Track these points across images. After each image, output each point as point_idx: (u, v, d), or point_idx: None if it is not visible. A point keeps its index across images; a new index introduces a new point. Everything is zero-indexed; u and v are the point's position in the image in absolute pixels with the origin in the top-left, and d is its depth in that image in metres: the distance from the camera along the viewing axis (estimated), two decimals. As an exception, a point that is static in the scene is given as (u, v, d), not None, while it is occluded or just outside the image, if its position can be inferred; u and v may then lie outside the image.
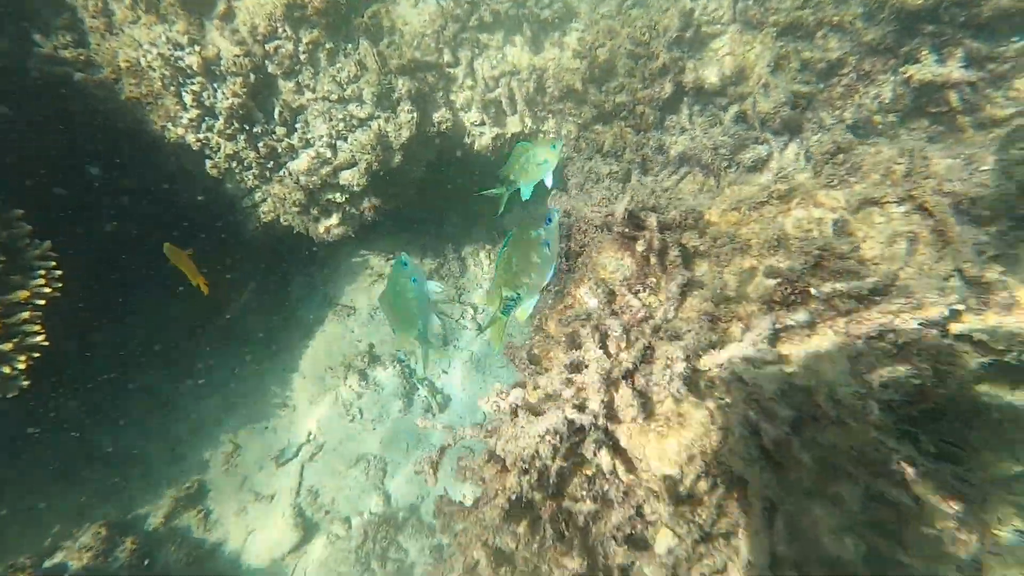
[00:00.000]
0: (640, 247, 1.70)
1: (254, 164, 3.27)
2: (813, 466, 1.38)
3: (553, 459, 1.46)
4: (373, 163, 3.46)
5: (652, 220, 1.68)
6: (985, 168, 1.68)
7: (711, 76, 3.34)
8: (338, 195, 3.65)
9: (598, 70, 3.45)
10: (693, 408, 1.53)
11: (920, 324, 1.46)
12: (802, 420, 1.44)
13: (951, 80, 2.75)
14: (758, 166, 3.05)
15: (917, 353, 1.46)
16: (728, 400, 1.47)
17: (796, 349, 1.53)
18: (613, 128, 3.56)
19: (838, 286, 1.49)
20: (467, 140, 4.15)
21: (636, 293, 1.76)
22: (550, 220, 1.78)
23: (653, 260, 1.70)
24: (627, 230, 1.71)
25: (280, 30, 2.98)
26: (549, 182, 2.15)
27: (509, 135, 4.09)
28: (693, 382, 1.54)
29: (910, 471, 1.31)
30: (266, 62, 3.07)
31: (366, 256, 5.13)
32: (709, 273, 1.78)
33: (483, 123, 4.00)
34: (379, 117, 3.42)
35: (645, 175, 3.41)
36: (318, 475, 3.89)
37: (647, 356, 1.58)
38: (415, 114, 3.62)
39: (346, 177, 3.48)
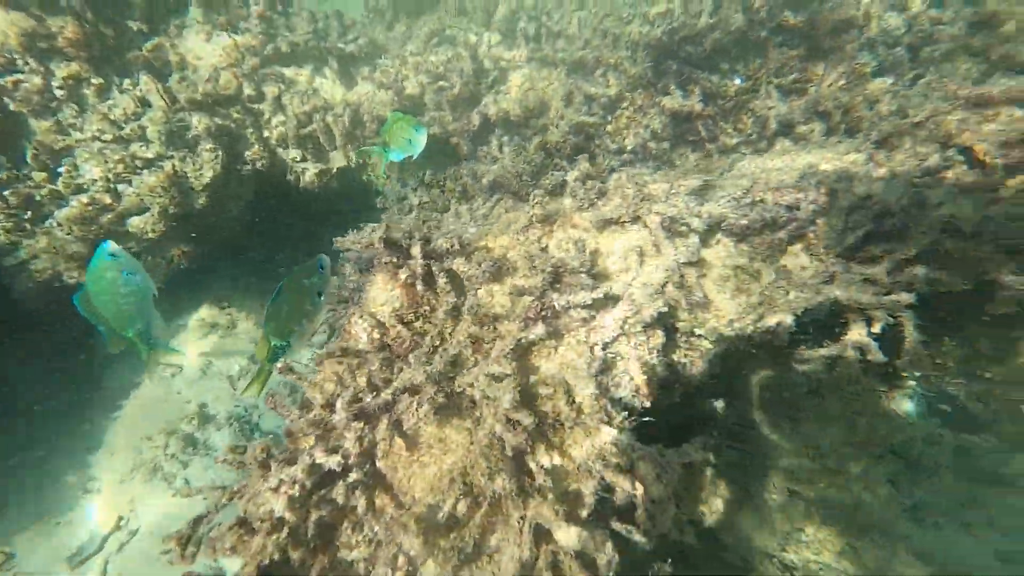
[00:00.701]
0: (404, 275, 1.73)
1: (1, 216, 2.80)
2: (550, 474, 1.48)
3: (299, 509, 1.39)
4: (169, 206, 3.16)
5: (416, 249, 1.72)
6: (682, 189, 1.99)
7: (515, 108, 3.60)
8: (132, 244, 3.27)
9: (409, 103, 3.54)
10: (454, 432, 1.57)
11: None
12: (546, 427, 1.55)
13: (695, 112, 3.26)
14: (557, 191, 3.33)
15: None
16: (481, 415, 1.53)
17: (546, 363, 1.65)
18: (428, 160, 3.67)
19: (572, 298, 1.64)
20: (291, 177, 4.00)
21: (408, 323, 1.78)
22: (322, 268, 1.77)
23: (420, 288, 1.74)
24: (394, 260, 1.74)
25: (20, 62, 2.63)
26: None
27: (335, 170, 4.02)
28: (455, 405, 1.59)
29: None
30: (4, 98, 2.67)
31: (191, 305, 4.64)
32: (483, 296, 1.87)
33: (304, 159, 3.89)
34: (172, 157, 3.15)
35: (465, 203, 3.54)
36: (130, 567, 3.33)
37: (410, 387, 1.59)
38: (220, 152, 3.39)
39: (136, 224, 3.13)
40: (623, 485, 1.43)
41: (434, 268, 1.70)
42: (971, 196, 1.78)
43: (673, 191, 1.97)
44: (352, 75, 3.62)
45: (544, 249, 1.96)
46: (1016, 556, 3.27)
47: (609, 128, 3.66)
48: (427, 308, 1.82)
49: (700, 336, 1.93)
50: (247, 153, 3.53)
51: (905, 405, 3.71)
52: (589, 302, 1.65)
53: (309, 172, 3.92)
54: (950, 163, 1.89)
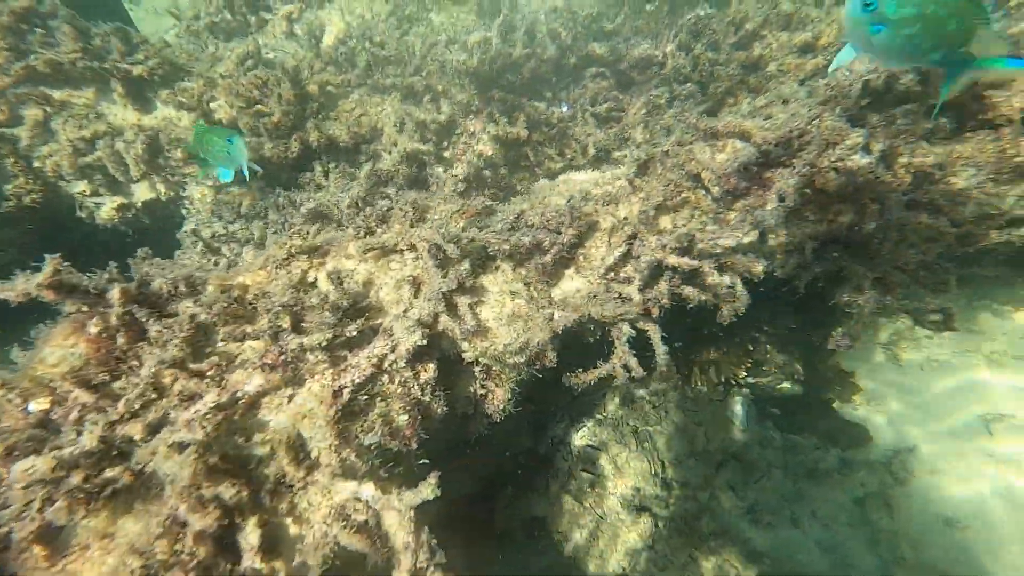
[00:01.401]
0: (95, 328, 1.43)
1: None
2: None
3: None
4: None
5: (116, 292, 1.43)
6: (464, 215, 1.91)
7: (342, 135, 3.41)
8: None
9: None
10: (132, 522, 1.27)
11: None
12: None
13: (521, 138, 3.31)
14: (385, 218, 3.17)
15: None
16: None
17: (277, 415, 1.42)
18: (252, 188, 3.35)
19: (307, 340, 1.45)
20: (82, 213, 3.44)
21: (94, 385, 1.44)
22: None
23: (122, 340, 1.44)
24: (81, 308, 1.43)
25: None
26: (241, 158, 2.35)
27: (140, 204, 3.52)
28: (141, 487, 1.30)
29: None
30: None
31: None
32: (223, 343, 1.61)
33: (98, 192, 3.37)
34: None
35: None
36: None
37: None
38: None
39: None
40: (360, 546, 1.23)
41: (141, 315, 1.42)
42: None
43: (460, 211, 1.89)
44: (149, 98, 3.22)
45: (313, 283, 1.76)
46: (834, 544, 3.53)
47: (447, 154, 3.61)
48: (128, 364, 1.50)
49: (487, 364, 1.83)
50: (7, 187, 2.96)
51: (737, 412, 3.95)
52: (328, 342, 1.47)
53: (105, 207, 3.40)
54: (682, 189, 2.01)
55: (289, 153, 3.19)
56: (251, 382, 1.32)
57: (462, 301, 1.70)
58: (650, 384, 4.05)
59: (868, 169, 1.91)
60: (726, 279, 1.77)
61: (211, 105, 3.13)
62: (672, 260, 1.70)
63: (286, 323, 1.41)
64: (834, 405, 4.19)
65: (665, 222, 2.08)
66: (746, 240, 1.97)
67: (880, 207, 1.89)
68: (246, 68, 3.30)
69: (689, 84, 3.34)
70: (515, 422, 3.22)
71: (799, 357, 4.18)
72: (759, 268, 1.76)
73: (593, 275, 1.87)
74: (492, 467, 3.41)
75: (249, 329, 1.52)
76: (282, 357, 1.42)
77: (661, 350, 1.80)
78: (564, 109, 3.38)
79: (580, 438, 3.69)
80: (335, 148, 3.41)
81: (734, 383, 3.92)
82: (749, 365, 3.92)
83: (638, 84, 3.51)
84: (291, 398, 1.41)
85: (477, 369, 1.84)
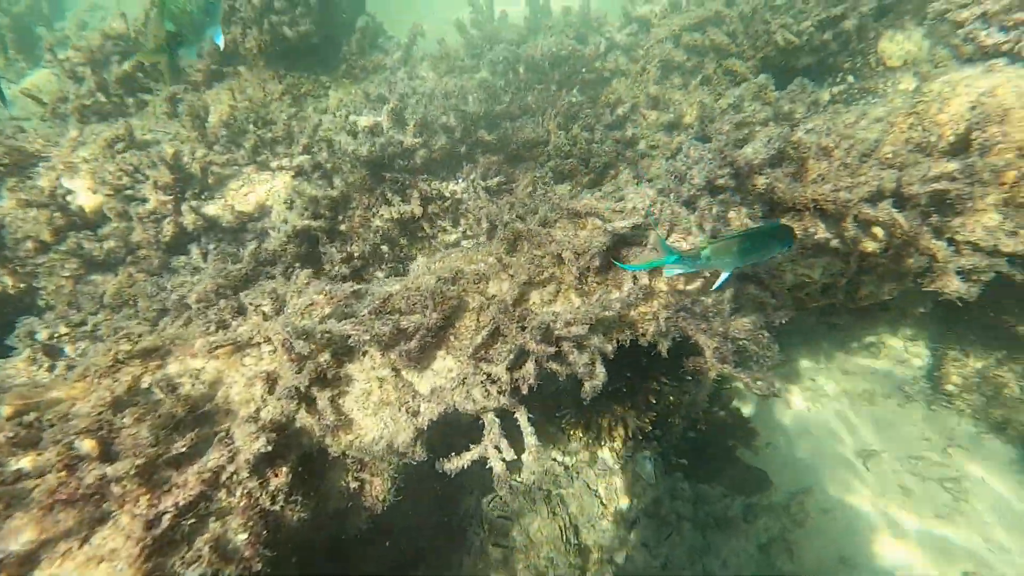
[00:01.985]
0: None
1: None
2: None
3: None
4: None
5: None
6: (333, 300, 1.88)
7: (227, 214, 3.31)
8: None
9: (80, 220, 3.02)
10: None
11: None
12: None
13: (416, 214, 3.38)
14: (242, 310, 3.06)
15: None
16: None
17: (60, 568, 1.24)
18: (119, 275, 3.12)
19: (111, 469, 1.30)
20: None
21: None
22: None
23: None
24: None
25: None
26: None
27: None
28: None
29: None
30: None
31: None
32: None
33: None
34: None
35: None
36: None
37: None
38: None
39: None
40: None
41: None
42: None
43: (311, 304, 1.85)
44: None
45: (147, 390, 1.62)
46: (746, 594, 3.59)
47: (343, 228, 3.59)
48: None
49: (356, 458, 1.74)
50: None
51: (646, 467, 4.02)
52: (145, 462, 1.34)
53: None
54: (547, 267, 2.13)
55: (161, 236, 3.03)
56: (21, 536, 1.14)
57: (322, 395, 1.63)
58: (567, 445, 4.05)
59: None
60: (584, 357, 1.84)
61: (67, 198, 2.93)
62: (531, 346, 1.75)
63: (89, 448, 1.26)
64: (737, 452, 4.38)
65: (534, 297, 2.16)
66: (608, 315, 2.07)
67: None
68: (115, 151, 3.16)
69: (571, 159, 3.60)
70: (414, 504, 3.06)
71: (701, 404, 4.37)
72: (609, 349, 1.86)
73: (463, 355, 1.88)
74: (399, 552, 3.19)
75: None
76: (79, 491, 1.26)
77: (528, 431, 1.81)
78: (458, 183, 3.51)
79: (492, 509, 3.57)
80: (217, 228, 3.29)
81: (642, 437, 4.00)
82: (654, 417, 4.03)
83: (526, 160, 3.74)
84: (84, 541, 1.23)
85: (349, 461, 1.75)
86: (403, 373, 1.81)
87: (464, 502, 3.54)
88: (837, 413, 4.42)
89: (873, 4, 4.14)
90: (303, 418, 1.61)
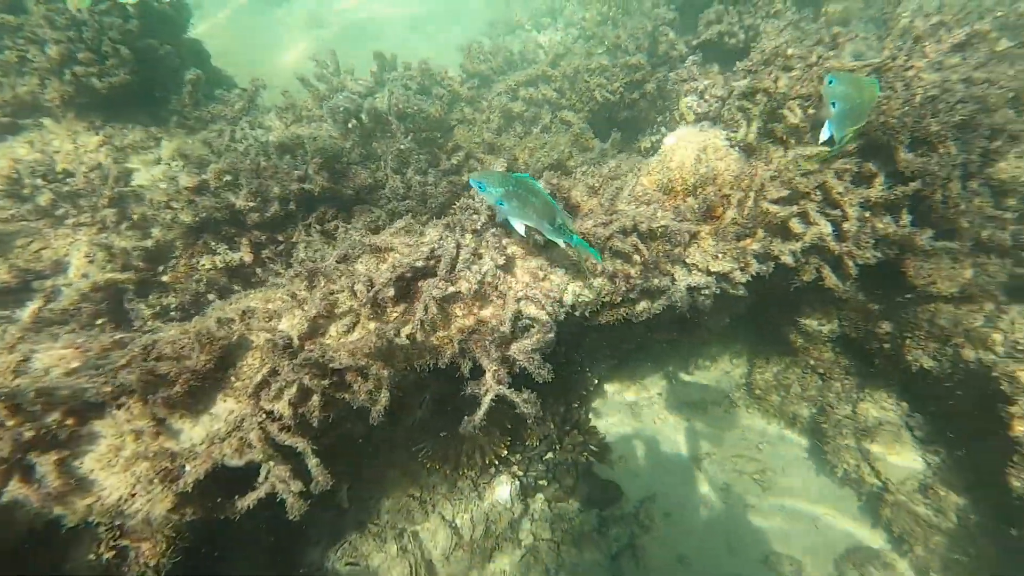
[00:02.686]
0: None
1: None
2: None
3: None
4: None
5: None
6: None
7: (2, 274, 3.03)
8: None
9: None
10: None
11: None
12: None
13: (247, 261, 3.35)
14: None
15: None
16: None
17: None
18: None
19: None
20: None
21: None
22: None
23: None
24: None
25: None
26: None
27: None
28: None
29: None
30: None
31: None
32: None
33: None
34: None
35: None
36: None
37: None
38: None
39: None
40: None
41: None
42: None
43: (61, 358, 1.77)
44: None
45: None
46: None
47: (166, 278, 3.42)
48: None
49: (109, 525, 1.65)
50: None
51: (502, 493, 4.12)
52: None
53: None
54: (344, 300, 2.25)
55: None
56: None
57: (45, 459, 1.53)
58: (425, 479, 4.03)
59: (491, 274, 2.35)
60: (368, 384, 1.94)
61: None
62: (307, 381, 1.82)
63: None
64: (593, 468, 4.65)
65: (332, 330, 2.24)
66: (403, 342, 2.19)
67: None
68: None
69: (408, 200, 3.80)
70: (246, 562, 2.87)
71: (556, 424, 4.61)
72: (386, 374, 1.98)
73: (243, 395, 1.89)
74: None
75: None
76: None
77: (313, 463, 1.84)
78: (295, 228, 3.54)
79: (340, 557, 3.45)
80: None
81: (498, 463, 4.12)
82: (509, 442, 4.17)
83: (367, 203, 3.88)
84: None
85: (102, 529, 1.65)
86: (170, 422, 1.76)
87: (308, 554, 3.39)
88: (677, 424, 4.88)
89: (663, 73, 4.94)
90: (14, 488, 1.50)
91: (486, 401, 2.18)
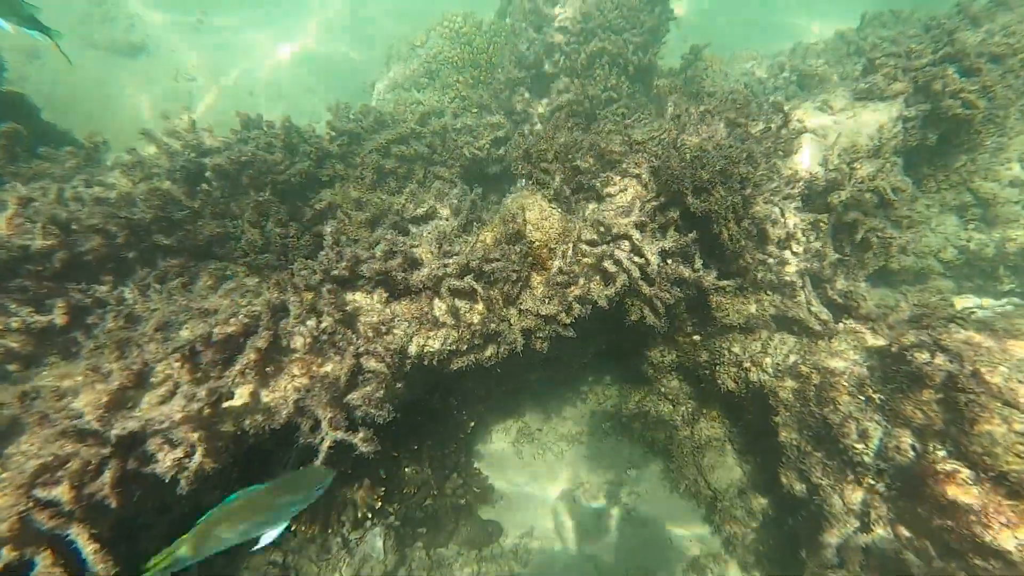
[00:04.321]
0: None
1: None
2: None
3: None
4: None
5: None
6: None
7: None
8: None
9: None
10: None
11: None
12: None
13: (60, 325, 3.13)
14: None
15: None
16: None
17: None
18: None
19: None
20: None
21: None
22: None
23: None
24: None
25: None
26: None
27: None
28: None
29: None
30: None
31: None
32: None
33: None
34: None
35: None
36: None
37: None
38: None
39: None
40: None
41: None
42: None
43: None
44: None
45: None
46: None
47: None
48: None
49: None
50: None
51: (376, 546, 4.06)
52: None
53: None
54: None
55: None
56: None
57: None
58: (289, 542, 3.85)
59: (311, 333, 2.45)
60: (177, 452, 1.93)
61: None
62: (86, 453, 1.78)
63: None
64: (476, 510, 4.72)
65: (147, 399, 2.19)
66: (235, 404, 2.19)
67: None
68: None
69: (267, 255, 3.80)
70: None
71: (434, 469, 4.66)
72: (195, 437, 2.00)
73: (21, 482, 1.79)
74: None
75: None
76: None
77: (89, 551, 1.76)
78: (126, 290, 3.38)
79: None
80: None
81: (372, 515, 4.05)
82: (383, 493, 4.13)
83: (219, 257, 3.82)
84: None
85: None
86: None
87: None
88: (555, 458, 5.14)
89: (528, 128, 5.49)
90: None
91: (324, 448, 2.24)
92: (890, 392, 2.53)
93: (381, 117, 5.47)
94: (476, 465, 5.13)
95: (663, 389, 4.86)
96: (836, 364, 2.87)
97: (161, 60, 7.38)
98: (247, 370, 2.22)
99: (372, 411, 2.40)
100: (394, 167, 5.28)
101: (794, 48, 5.33)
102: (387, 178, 5.30)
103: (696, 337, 4.09)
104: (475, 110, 5.87)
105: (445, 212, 4.68)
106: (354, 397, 2.42)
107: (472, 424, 5.04)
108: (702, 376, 4.20)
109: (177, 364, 2.10)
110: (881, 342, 2.84)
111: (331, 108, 5.27)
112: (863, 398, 2.63)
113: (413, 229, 4.38)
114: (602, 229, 3.16)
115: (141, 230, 3.35)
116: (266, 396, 2.37)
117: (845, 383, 2.74)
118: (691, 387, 4.65)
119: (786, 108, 3.84)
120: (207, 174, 3.87)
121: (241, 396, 2.25)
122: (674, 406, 4.82)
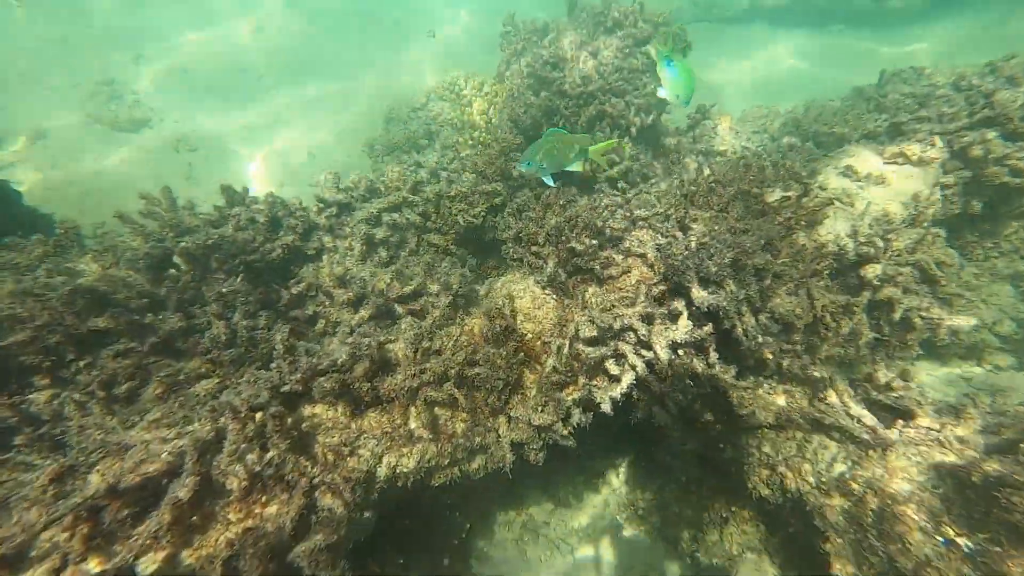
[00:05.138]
0: None
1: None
2: None
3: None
4: None
5: None
6: None
7: None
8: None
9: None
10: None
11: None
12: None
13: None
14: None
15: None
16: None
17: None
18: None
19: None
20: None
21: None
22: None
23: None
24: None
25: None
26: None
27: None
28: None
29: None
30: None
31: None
32: None
33: None
34: None
35: None
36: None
37: None
38: None
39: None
40: None
41: None
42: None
43: None
44: None
45: None
46: None
47: None
48: None
49: None
50: None
51: None
52: None
53: None
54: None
55: None
56: None
57: None
58: None
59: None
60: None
61: None
62: None
63: None
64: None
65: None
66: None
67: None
68: None
69: (232, 349, 3.44)
70: None
71: None
72: None
73: None
74: None
75: None
76: None
77: None
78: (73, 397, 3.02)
79: None
80: None
81: None
82: None
83: (185, 352, 3.47)
84: None
85: None
86: None
87: None
88: (565, 555, 4.53)
89: (524, 199, 5.21)
90: None
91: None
92: (982, 542, 1.98)
93: (373, 185, 5.25)
94: (476, 570, 4.53)
95: (684, 479, 4.29)
96: (898, 487, 2.33)
97: (163, 133, 7.41)
98: (160, 532, 1.78)
99: (321, 573, 1.93)
100: (385, 236, 5.00)
101: (808, 105, 5.05)
102: (377, 248, 5.01)
103: (718, 427, 3.57)
104: (472, 174, 5.65)
105: (434, 288, 4.32)
106: (299, 552, 1.95)
107: (468, 526, 4.47)
108: (729, 472, 3.63)
109: (65, 533, 1.68)
110: (952, 458, 2.31)
111: (320, 180, 5.08)
112: (942, 540, 2.08)
113: (399, 309, 4.02)
114: (603, 323, 2.74)
115: (83, 322, 3.03)
116: (188, 556, 1.92)
117: (914, 516, 2.19)
118: (716, 479, 4.07)
119: (805, 175, 3.47)
120: (175, 259, 3.59)
121: (152, 563, 1.81)
122: (698, 500, 4.23)
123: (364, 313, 4.02)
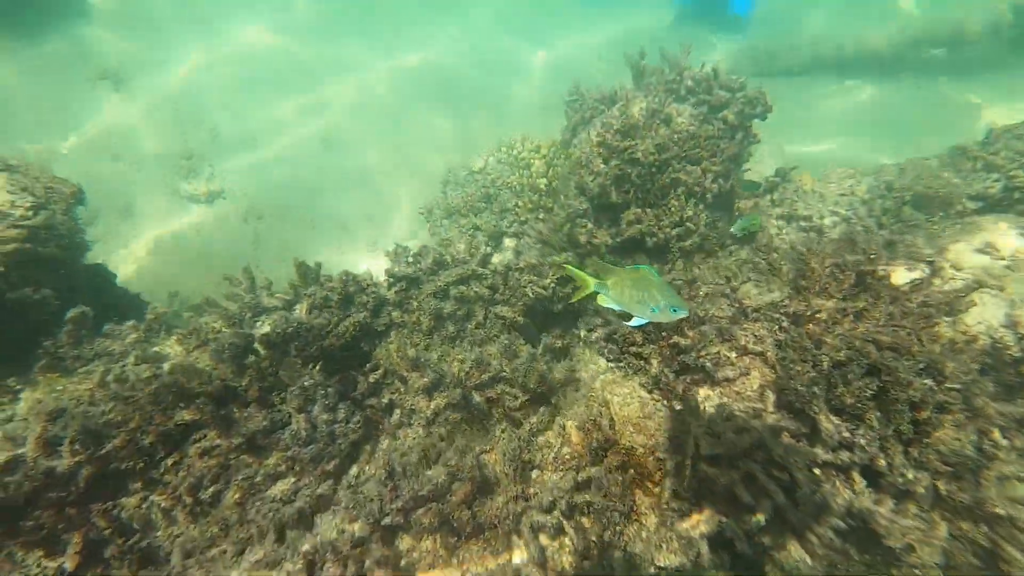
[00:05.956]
0: None
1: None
2: None
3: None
4: None
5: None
6: None
7: None
8: None
9: None
10: None
11: None
12: None
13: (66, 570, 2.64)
14: None
15: None
16: None
17: None
18: None
19: None
20: None
21: None
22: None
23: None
24: None
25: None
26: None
27: None
28: None
29: None
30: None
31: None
32: None
33: None
34: None
35: None
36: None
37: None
38: None
39: None
40: None
41: None
42: None
43: None
44: None
45: None
46: None
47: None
48: None
49: None
50: None
51: None
52: None
53: None
54: None
55: None
56: None
57: None
58: None
59: None
60: None
61: None
62: None
63: None
64: None
65: None
66: None
67: None
68: None
69: (312, 446, 3.29)
70: None
71: None
72: None
73: None
74: None
75: None
76: None
77: None
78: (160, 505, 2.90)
79: None
80: None
81: None
82: None
83: (265, 448, 3.34)
84: None
85: None
86: None
87: None
88: None
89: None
90: None
91: None
92: None
93: (440, 257, 5.18)
94: None
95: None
96: None
97: (236, 203, 7.77)
98: None
99: None
100: (453, 310, 4.87)
101: (903, 166, 4.69)
102: (445, 322, 4.87)
103: (851, 549, 3.07)
104: (538, 245, 5.52)
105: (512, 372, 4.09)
106: None
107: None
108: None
109: None
110: None
111: (388, 252, 5.05)
112: None
113: (476, 397, 3.79)
114: (728, 434, 2.40)
115: (170, 419, 2.94)
116: None
117: None
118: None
119: (930, 251, 3.10)
120: (255, 345, 3.53)
121: None
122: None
123: (440, 401, 3.82)
